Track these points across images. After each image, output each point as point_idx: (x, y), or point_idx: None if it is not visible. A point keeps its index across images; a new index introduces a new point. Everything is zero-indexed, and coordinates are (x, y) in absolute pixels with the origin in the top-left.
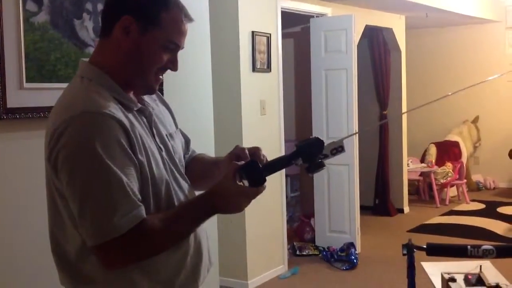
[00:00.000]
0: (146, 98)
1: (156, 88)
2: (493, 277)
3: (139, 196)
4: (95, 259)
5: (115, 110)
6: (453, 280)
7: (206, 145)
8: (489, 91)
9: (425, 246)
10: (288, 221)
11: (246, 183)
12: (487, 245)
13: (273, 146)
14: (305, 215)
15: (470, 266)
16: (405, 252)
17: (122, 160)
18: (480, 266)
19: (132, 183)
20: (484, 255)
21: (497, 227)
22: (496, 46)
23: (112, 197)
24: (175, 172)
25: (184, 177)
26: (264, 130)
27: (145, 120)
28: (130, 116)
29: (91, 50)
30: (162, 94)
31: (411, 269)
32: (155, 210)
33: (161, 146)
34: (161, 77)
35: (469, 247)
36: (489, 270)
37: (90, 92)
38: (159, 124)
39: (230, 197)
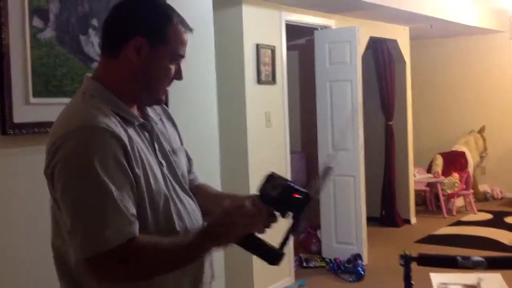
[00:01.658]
0: (151, 113)
1: (163, 99)
2: None
3: (133, 212)
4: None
5: (114, 125)
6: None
7: (210, 157)
8: (495, 101)
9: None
10: (294, 233)
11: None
12: (477, 257)
13: (278, 158)
14: (312, 226)
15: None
16: (402, 262)
17: (118, 176)
18: (479, 278)
19: (127, 199)
20: (475, 266)
21: (505, 237)
22: (501, 56)
23: (105, 213)
24: (177, 187)
25: (188, 193)
26: (270, 142)
27: (147, 135)
28: (131, 130)
29: (97, 65)
30: (167, 106)
31: (408, 280)
32: (154, 225)
33: (162, 162)
34: (168, 88)
35: (459, 258)
36: (495, 282)
37: (89, 107)
38: (162, 140)
39: (222, 220)
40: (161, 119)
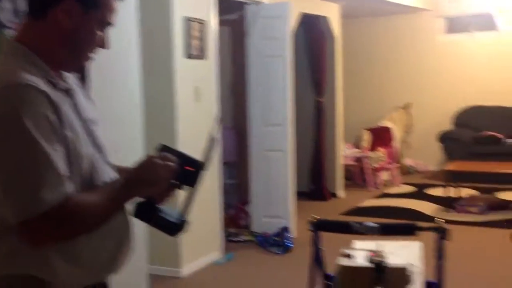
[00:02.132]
0: (70, 81)
1: (86, 66)
2: (405, 257)
3: (66, 171)
4: (17, 235)
5: (42, 84)
6: (347, 256)
7: (134, 135)
8: (420, 79)
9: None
10: (224, 208)
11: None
12: (371, 222)
13: (208, 133)
14: (242, 202)
15: (399, 245)
16: (311, 228)
17: (49, 135)
18: (382, 245)
19: (59, 159)
20: (368, 231)
21: (426, 208)
22: (427, 34)
23: (39, 172)
24: (99, 156)
25: (108, 163)
26: (200, 117)
27: (69, 100)
28: (56, 93)
29: (10, 32)
30: (87, 78)
31: (315, 245)
32: (80, 189)
33: (85, 129)
34: (92, 55)
35: (353, 223)
36: (409, 250)
37: (14, 67)
38: (81, 108)
39: (144, 163)
40: (78, 89)
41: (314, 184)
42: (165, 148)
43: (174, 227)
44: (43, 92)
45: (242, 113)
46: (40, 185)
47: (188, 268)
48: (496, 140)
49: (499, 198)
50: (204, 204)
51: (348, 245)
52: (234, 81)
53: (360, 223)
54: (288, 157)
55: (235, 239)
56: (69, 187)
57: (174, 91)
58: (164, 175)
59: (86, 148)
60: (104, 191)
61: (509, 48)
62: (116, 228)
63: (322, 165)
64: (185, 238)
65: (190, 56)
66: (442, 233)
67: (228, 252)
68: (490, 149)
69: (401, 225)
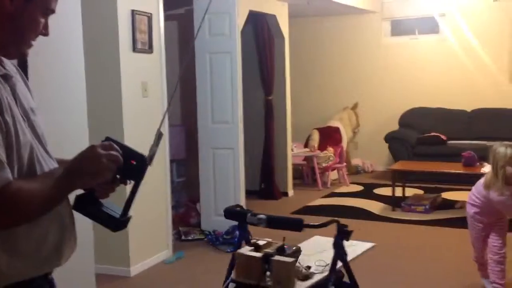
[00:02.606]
0: (8, 68)
1: (27, 53)
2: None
3: (4, 157)
4: None
5: None
6: (253, 245)
7: (77, 128)
8: (367, 79)
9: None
10: (173, 207)
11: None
12: (261, 214)
13: (155, 129)
14: (191, 200)
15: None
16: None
17: None
18: (284, 238)
19: None
20: (259, 222)
21: (374, 207)
22: (373, 36)
23: None
24: (39, 146)
25: (48, 154)
26: (147, 113)
27: (8, 88)
28: None
29: None
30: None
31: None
32: (18, 178)
33: (24, 117)
34: (33, 42)
35: (248, 213)
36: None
37: None
38: (21, 96)
39: (86, 153)
40: (17, 77)
41: (264, 182)
42: (109, 140)
43: (116, 222)
44: None
45: (191, 110)
46: None
47: (137, 267)
48: (440, 141)
49: (443, 198)
50: (153, 202)
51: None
52: (182, 77)
53: (254, 214)
54: (237, 155)
55: (186, 237)
56: (9, 173)
57: (120, 85)
58: (107, 165)
59: (25, 136)
60: (46, 179)
61: (452, 51)
62: (58, 219)
63: (272, 164)
64: (133, 237)
65: (136, 50)
66: (344, 234)
67: (178, 251)
68: (434, 150)
69: (290, 219)
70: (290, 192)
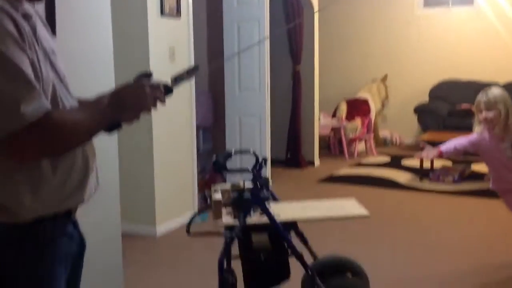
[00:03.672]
0: (31, 10)
1: None
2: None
3: (39, 87)
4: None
5: (2, 2)
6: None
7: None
8: (397, 51)
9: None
10: (200, 172)
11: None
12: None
13: (183, 96)
14: None
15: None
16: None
17: (17, 53)
18: (244, 181)
19: (32, 76)
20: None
21: (401, 177)
22: (406, 6)
23: (15, 87)
24: (61, 84)
25: (71, 94)
26: None
27: (28, 27)
28: (19, 15)
29: None
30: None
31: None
32: None
33: (45, 57)
34: None
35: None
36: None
37: None
38: (41, 37)
39: (133, 90)
40: (39, 20)
41: (290, 152)
42: (149, 76)
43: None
44: (5, 11)
45: (218, 77)
46: (19, 99)
47: (162, 227)
48: (471, 114)
49: (472, 170)
50: (179, 167)
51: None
52: (209, 43)
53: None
54: (264, 123)
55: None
56: (47, 103)
57: (148, 50)
58: (151, 106)
59: (48, 74)
60: (87, 110)
61: (485, 23)
62: (83, 155)
63: (298, 133)
64: (160, 198)
65: (164, 14)
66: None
67: (203, 213)
68: (464, 122)
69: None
70: (316, 162)
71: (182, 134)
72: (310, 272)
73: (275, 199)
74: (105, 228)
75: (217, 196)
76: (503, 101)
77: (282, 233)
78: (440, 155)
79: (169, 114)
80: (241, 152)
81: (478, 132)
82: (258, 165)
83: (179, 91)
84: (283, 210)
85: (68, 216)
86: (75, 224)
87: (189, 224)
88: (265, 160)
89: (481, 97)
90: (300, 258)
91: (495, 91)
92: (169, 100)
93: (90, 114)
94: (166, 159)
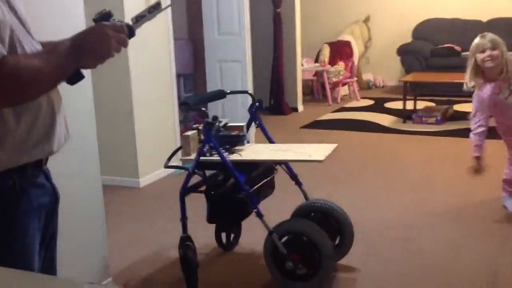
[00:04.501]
0: None
1: None
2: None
3: None
4: None
5: None
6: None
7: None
8: None
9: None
10: (182, 121)
11: None
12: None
13: (161, 44)
14: (200, 115)
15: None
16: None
17: None
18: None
19: None
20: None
21: (384, 120)
22: None
23: None
24: (21, 26)
25: (32, 37)
26: (151, 27)
27: None
28: None
29: None
30: None
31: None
32: None
33: (3, 0)
34: None
35: None
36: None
37: None
38: None
39: (95, 35)
40: None
41: (273, 98)
42: (110, 15)
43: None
44: None
45: (197, 23)
46: None
47: (146, 179)
48: (454, 52)
49: (454, 110)
50: (160, 117)
51: None
52: None
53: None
54: (245, 69)
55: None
56: (2, 48)
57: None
58: (114, 48)
59: (4, 17)
60: (47, 54)
61: None
62: (48, 103)
63: (281, 80)
64: (142, 150)
65: None
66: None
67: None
68: (448, 62)
69: None
70: (300, 108)
71: (162, 83)
72: (255, 210)
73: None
74: (85, 179)
75: (188, 133)
76: (501, 43)
77: (232, 172)
78: (480, 157)
79: (148, 63)
80: (236, 92)
81: (474, 94)
82: (254, 106)
83: (157, 39)
84: (253, 151)
85: (39, 167)
86: (47, 175)
87: (169, 159)
88: (260, 101)
89: (482, 40)
90: (240, 200)
91: (493, 35)
92: (147, 48)
93: (51, 58)
94: (146, 110)
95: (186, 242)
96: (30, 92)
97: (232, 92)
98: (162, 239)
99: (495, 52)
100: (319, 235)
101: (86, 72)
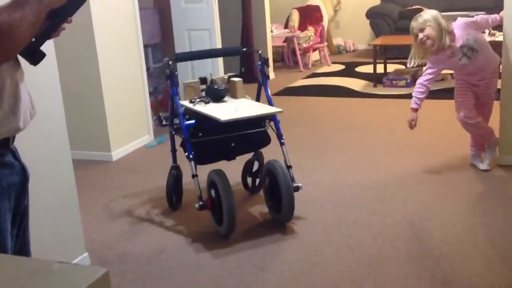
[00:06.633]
0: None
1: None
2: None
3: None
4: None
5: None
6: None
7: None
8: None
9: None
10: (152, 93)
11: None
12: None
13: (126, 14)
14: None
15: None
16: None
17: None
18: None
19: None
20: None
21: (355, 84)
22: None
23: None
24: None
25: None
26: None
27: None
28: None
29: None
30: None
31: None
32: None
33: None
34: None
35: None
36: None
37: None
38: None
39: None
40: None
41: (244, 66)
42: None
43: (31, 47)
44: None
45: None
46: None
47: (119, 152)
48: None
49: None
50: (129, 88)
51: None
52: None
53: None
54: (214, 37)
55: (166, 122)
56: None
57: None
58: None
59: None
60: (13, 4)
61: None
62: (11, 78)
63: (251, 47)
64: (112, 123)
65: None
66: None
67: (159, 136)
68: None
69: None
70: (271, 75)
71: (129, 54)
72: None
73: None
74: (54, 155)
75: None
76: (433, 19)
77: (180, 117)
78: (417, 109)
79: (114, 34)
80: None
81: (429, 61)
82: (262, 63)
83: (122, 9)
84: (218, 107)
85: (5, 145)
86: (15, 154)
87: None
88: (266, 59)
89: (413, 23)
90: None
91: (424, 15)
92: (112, 19)
93: (14, 8)
94: (114, 83)
95: (172, 171)
96: (13, 46)
97: (247, 51)
98: (137, 211)
99: (427, 32)
100: (223, 186)
101: (49, 47)
